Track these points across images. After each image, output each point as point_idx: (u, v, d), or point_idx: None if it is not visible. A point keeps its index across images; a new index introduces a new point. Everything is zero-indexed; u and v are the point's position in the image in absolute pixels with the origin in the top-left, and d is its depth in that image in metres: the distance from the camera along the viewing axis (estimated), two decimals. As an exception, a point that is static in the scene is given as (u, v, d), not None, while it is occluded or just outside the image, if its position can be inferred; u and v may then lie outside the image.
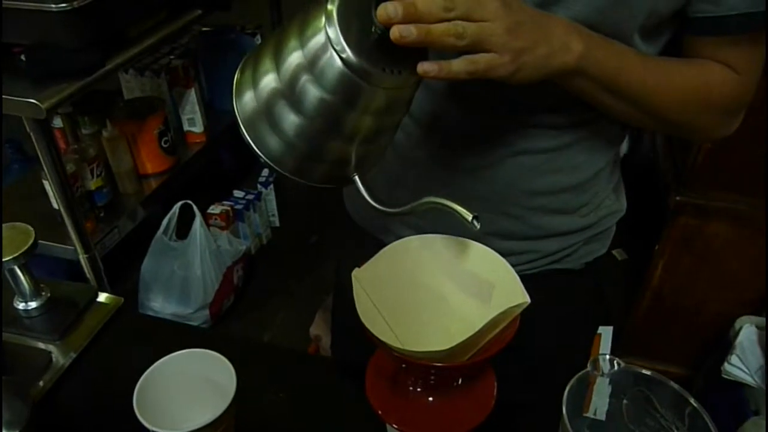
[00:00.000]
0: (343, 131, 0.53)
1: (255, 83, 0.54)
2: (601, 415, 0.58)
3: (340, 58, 0.49)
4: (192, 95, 1.77)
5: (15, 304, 0.82)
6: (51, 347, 0.80)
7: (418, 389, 0.58)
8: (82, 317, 0.83)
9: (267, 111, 0.53)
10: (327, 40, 0.49)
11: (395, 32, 0.48)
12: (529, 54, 0.54)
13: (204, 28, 2.03)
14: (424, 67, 0.51)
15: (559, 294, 0.81)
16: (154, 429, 0.57)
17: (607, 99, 0.64)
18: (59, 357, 0.78)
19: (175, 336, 0.86)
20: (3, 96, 1.19)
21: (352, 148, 0.54)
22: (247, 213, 2.19)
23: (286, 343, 1.91)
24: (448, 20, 0.49)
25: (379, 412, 0.58)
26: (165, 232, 1.87)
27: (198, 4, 1.59)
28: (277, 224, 2.39)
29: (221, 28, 2.02)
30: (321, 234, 2.34)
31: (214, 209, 2.10)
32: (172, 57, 1.83)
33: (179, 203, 1.87)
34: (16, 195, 1.63)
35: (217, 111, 1.96)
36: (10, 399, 0.64)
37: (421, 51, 0.52)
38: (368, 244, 0.85)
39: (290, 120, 0.53)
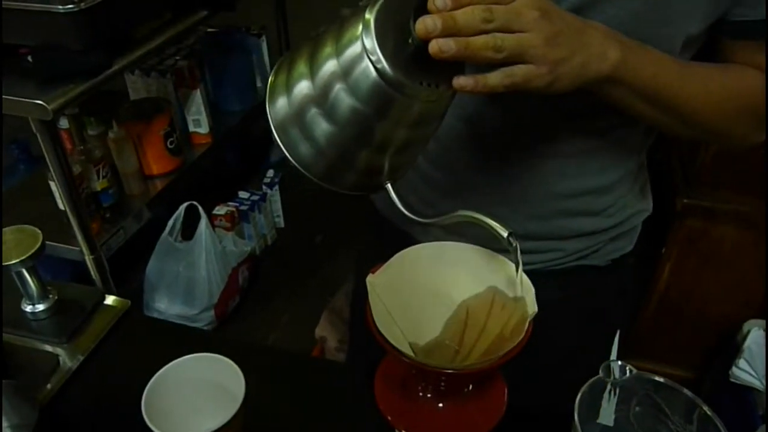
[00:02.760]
0: (376, 142, 0.52)
1: (288, 88, 0.53)
2: (610, 422, 0.57)
3: (376, 69, 0.48)
4: (197, 96, 1.77)
5: (22, 307, 0.81)
6: (58, 350, 0.79)
7: (429, 395, 0.58)
8: (90, 320, 0.83)
9: (299, 117, 0.53)
10: (363, 50, 0.48)
11: (434, 47, 0.47)
12: (567, 64, 0.53)
13: (209, 29, 2.03)
14: (460, 81, 0.50)
15: (583, 290, 0.82)
16: (162, 434, 0.57)
17: (642, 107, 0.63)
18: (66, 360, 0.78)
19: (182, 339, 0.86)
20: (10, 97, 1.19)
21: (385, 158, 0.54)
22: (252, 214, 2.19)
23: (291, 345, 1.91)
24: (487, 32, 0.48)
25: (389, 417, 0.58)
26: (170, 233, 1.87)
27: (203, 5, 1.59)
28: (282, 225, 2.39)
29: (226, 28, 2.02)
30: (326, 234, 2.34)
31: (219, 210, 2.10)
32: (177, 58, 1.83)
33: (184, 204, 1.87)
34: (22, 195, 1.63)
35: (223, 112, 1.95)
36: (18, 402, 0.64)
37: (457, 63, 0.50)
38: (390, 233, 0.86)
39: (322, 127, 0.52)
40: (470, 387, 0.58)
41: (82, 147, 1.49)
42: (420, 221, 0.56)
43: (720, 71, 0.66)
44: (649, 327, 1.70)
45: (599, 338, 0.68)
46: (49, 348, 0.80)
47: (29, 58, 1.25)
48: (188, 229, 1.90)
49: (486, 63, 0.50)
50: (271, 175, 2.33)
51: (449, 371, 0.52)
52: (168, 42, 1.49)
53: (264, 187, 2.29)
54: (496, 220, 0.53)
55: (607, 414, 0.57)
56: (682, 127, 0.67)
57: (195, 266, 1.85)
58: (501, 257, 0.60)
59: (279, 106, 0.53)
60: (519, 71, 0.51)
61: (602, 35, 0.56)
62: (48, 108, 1.18)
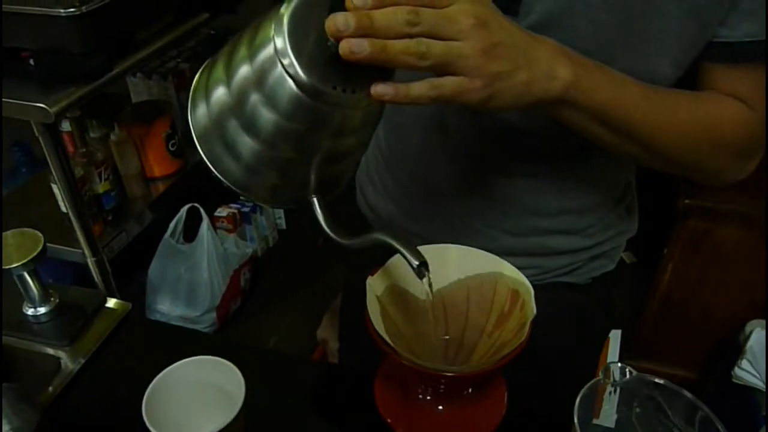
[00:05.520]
0: (297, 153, 0.48)
1: (207, 95, 0.49)
2: (611, 423, 0.57)
3: (286, 71, 0.43)
4: (199, 98, 1.77)
5: (24, 310, 0.82)
6: (60, 353, 0.80)
7: (428, 398, 0.58)
8: (91, 323, 0.83)
9: (219, 127, 0.49)
10: (274, 51, 0.44)
11: (344, 47, 0.42)
12: (505, 80, 0.48)
13: (211, 32, 2.03)
14: (378, 89, 0.45)
15: (564, 307, 0.79)
16: (163, 437, 0.57)
17: (601, 132, 0.58)
18: (68, 362, 0.78)
19: (183, 342, 0.86)
20: (12, 100, 1.20)
21: (311, 170, 0.50)
22: (254, 216, 2.19)
23: (292, 346, 1.91)
24: (411, 36, 0.44)
25: (389, 420, 0.58)
26: (172, 235, 1.87)
27: (205, 7, 1.59)
28: (284, 227, 2.39)
29: (228, 31, 2.02)
30: (328, 236, 2.34)
31: (221, 212, 2.10)
32: (179, 60, 1.83)
33: (186, 206, 1.88)
34: (25, 198, 1.63)
35: (224, 114, 1.95)
36: (19, 405, 0.64)
37: (386, 69, 0.46)
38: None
39: (238, 136, 0.48)
40: (470, 390, 0.58)
41: (84, 150, 1.49)
42: (340, 242, 0.52)
43: (692, 99, 0.62)
44: (651, 328, 1.70)
45: (588, 348, 0.67)
46: (50, 351, 0.80)
47: (31, 62, 1.25)
48: (190, 231, 1.90)
49: (411, 69, 0.45)
50: (274, 177, 2.33)
51: (449, 374, 0.52)
52: (169, 45, 1.49)
53: (266, 188, 2.30)
54: (408, 249, 0.49)
55: (607, 415, 0.57)
56: (649, 158, 0.63)
57: (197, 268, 1.86)
58: (500, 259, 0.60)
59: (200, 114, 0.50)
60: (448, 83, 0.46)
61: (551, 52, 0.52)
62: (50, 111, 1.18)
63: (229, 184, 0.51)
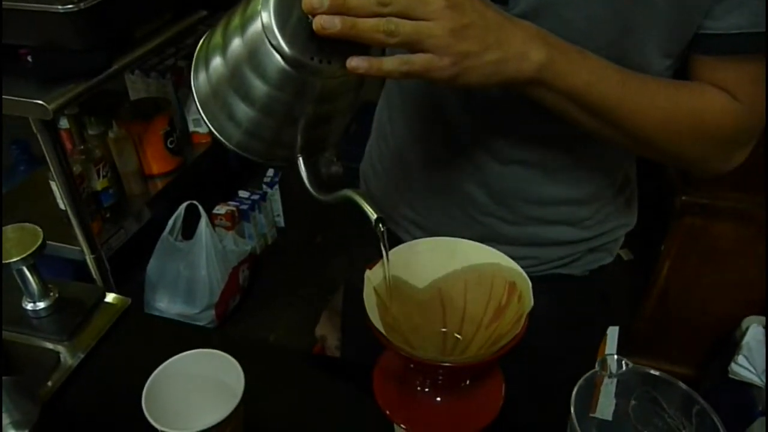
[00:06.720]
0: (279, 116, 0.53)
1: (207, 62, 0.54)
2: (608, 416, 0.58)
3: (270, 43, 0.48)
4: (197, 96, 1.77)
5: (23, 305, 0.82)
6: (59, 347, 0.80)
7: (426, 389, 0.58)
8: (90, 317, 0.84)
9: (216, 93, 0.54)
10: (261, 25, 0.48)
11: (317, 23, 0.46)
12: (474, 59, 0.51)
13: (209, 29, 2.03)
14: (353, 62, 0.49)
15: (561, 298, 0.79)
16: (162, 429, 0.57)
17: (579, 116, 0.60)
18: (67, 357, 0.79)
19: (182, 336, 0.86)
20: (10, 97, 1.20)
21: (297, 132, 0.54)
22: (253, 213, 2.19)
23: (291, 344, 1.91)
24: (383, 15, 0.47)
25: (387, 411, 0.59)
26: (171, 232, 1.87)
27: (203, 5, 1.59)
28: (283, 224, 2.39)
29: (226, 28, 2.02)
30: (326, 234, 2.34)
31: (220, 209, 2.10)
32: (177, 58, 1.84)
33: (185, 204, 1.88)
34: (23, 196, 1.64)
35: (223, 111, 1.95)
36: (19, 399, 0.64)
37: (362, 44, 0.50)
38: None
39: (236, 105, 0.53)
40: (468, 381, 0.58)
41: (82, 147, 1.50)
42: (320, 198, 0.56)
43: (674, 87, 0.63)
44: (648, 324, 1.71)
45: (584, 341, 0.67)
46: (50, 345, 0.80)
47: (29, 59, 1.25)
48: (188, 229, 1.90)
49: (381, 47, 0.49)
50: (271, 175, 2.34)
51: (446, 364, 0.52)
52: (168, 42, 1.49)
53: (264, 186, 2.30)
54: (369, 205, 0.53)
55: (604, 408, 0.57)
56: (631, 143, 0.64)
57: (195, 265, 1.86)
58: (497, 251, 0.61)
59: (201, 82, 0.54)
60: (418, 60, 0.50)
61: (526, 35, 0.54)
62: (48, 108, 1.18)
63: (232, 147, 0.55)
